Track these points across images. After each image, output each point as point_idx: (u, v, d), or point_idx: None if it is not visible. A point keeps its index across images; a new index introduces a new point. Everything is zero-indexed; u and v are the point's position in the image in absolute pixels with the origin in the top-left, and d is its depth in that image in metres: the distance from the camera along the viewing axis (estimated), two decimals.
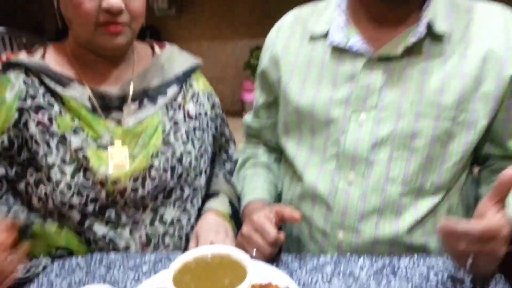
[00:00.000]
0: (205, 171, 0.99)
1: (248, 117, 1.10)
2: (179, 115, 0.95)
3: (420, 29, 0.79)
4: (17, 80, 0.86)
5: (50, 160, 0.84)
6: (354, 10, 0.86)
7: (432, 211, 0.84)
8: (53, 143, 0.85)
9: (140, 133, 0.90)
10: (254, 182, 1.00)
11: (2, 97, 0.85)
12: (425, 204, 0.84)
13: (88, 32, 0.83)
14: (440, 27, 0.79)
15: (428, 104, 0.81)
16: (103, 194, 0.86)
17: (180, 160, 0.92)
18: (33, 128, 0.85)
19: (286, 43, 0.94)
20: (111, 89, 0.90)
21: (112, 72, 0.91)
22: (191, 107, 0.98)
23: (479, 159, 0.91)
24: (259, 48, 1.90)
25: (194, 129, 0.97)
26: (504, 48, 0.80)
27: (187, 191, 0.95)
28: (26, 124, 0.85)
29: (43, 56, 0.89)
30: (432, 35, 0.80)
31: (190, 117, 0.97)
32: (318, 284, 0.78)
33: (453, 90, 0.80)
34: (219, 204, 0.98)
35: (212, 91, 1.07)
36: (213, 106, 1.05)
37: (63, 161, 0.85)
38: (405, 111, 0.81)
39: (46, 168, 0.84)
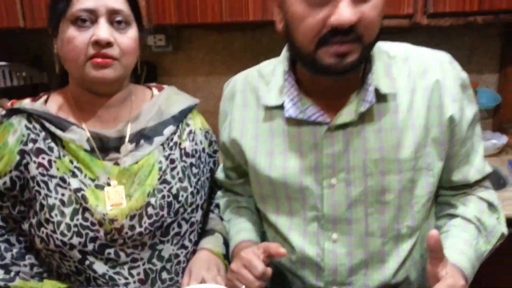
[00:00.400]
0: (202, 207, 1.00)
1: (219, 174, 1.09)
2: (176, 153, 0.97)
3: (369, 98, 0.81)
4: (19, 125, 0.89)
5: (50, 201, 0.87)
6: (304, 83, 0.87)
7: (411, 250, 0.89)
8: (52, 185, 0.88)
9: (137, 172, 0.92)
10: (239, 224, 1.01)
11: (5, 141, 0.88)
12: (405, 246, 0.89)
13: (79, 66, 0.86)
14: (385, 88, 0.82)
15: (390, 161, 0.84)
16: (101, 233, 0.87)
17: (176, 196, 0.93)
18: (34, 170, 0.87)
19: (243, 116, 0.94)
20: (109, 131, 0.92)
21: (110, 114, 0.94)
22: (187, 145, 1.00)
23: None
24: None
25: (191, 165, 0.99)
26: (442, 91, 0.84)
27: (184, 226, 0.95)
28: (27, 166, 0.88)
29: (46, 101, 0.94)
30: (379, 96, 0.83)
31: (186, 154, 0.99)
32: None
33: (408, 143, 0.84)
34: (214, 243, 0.99)
35: (210, 129, 1.09)
36: (210, 144, 1.07)
37: (62, 202, 0.87)
38: (371, 170, 0.85)
39: (47, 209, 0.86)
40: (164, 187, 0.92)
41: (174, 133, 0.98)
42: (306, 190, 0.88)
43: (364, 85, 0.82)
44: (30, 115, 0.90)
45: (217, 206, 1.12)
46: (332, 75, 0.79)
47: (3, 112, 0.91)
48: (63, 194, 0.87)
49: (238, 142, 0.94)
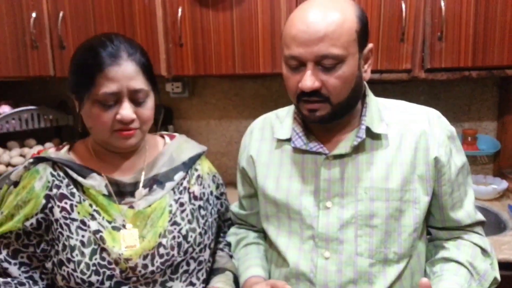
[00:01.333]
0: (209, 246, 1.06)
1: (234, 207, 1.22)
2: (185, 197, 1.04)
3: (361, 134, 0.96)
4: (45, 172, 0.97)
5: (72, 242, 0.93)
6: (306, 123, 1.03)
7: (398, 276, 0.97)
8: (74, 228, 0.94)
9: (149, 215, 0.99)
10: (248, 260, 1.09)
11: (32, 186, 0.96)
12: (392, 271, 0.96)
13: (105, 137, 0.95)
14: (376, 129, 0.97)
15: (379, 190, 0.96)
16: (117, 271, 0.93)
17: (185, 237, 1.00)
18: (57, 213, 0.95)
19: (259, 146, 1.10)
20: (125, 177, 1.00)
21: (126, 163, 1.02)
22: (196, 189, 1.07)
23: (427, 233, 1.06)
24: None
25: (199, 208, 1.06)
26: (429, 137, 0.97)
27: (192, 265, 1.01)
28: (51, 210, 0.95)
29: (69, 150, 1.02)
30: (372, 135, 0.97)
31: (195, 198, 1.06)
32: None
33: (395, 176, 0.96)
34: (225, 281, 1.05)
35: (217, 173, 1.17)
36: (218, 187, 1.15)
37: (83, 243, 0.94)
38: (362, 197, 0.96)
39: (69, 249, 0.93)
40: (175, 229, 1.00)
41: (184, 178, 1.06)
42: (304, 210, 1.00)
43: (359, 126, 0.98)
44: (55, 163, 0.98)
45: (227, 244, 1.18)
46: (311, 123, 1.00)
47: (31, 159, 0.99)
48: (83, 236, 0.94)
49: (254, 160, 1.09)
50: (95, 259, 0.93)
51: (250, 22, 1.65)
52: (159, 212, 1.00)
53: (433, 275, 0.99)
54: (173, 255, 0.98)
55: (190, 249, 1.01)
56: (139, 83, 0.93)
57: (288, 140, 1.04)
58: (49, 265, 0.97)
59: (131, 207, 0.99)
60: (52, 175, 0.97)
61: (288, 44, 0.91)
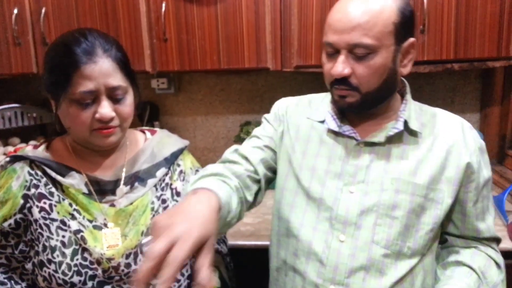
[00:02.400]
0: None
1: (230, 155, 1.07)
2: (167, 193, 1.03)
3: (399, 126, 0.98)
4: (22, 171, 0.95)
5: (52, 243, 0.92)
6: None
7: (410, 271, 0.96)
8: (54, 228, 0.93)
9: (131, 212, 0.97)
10: (209, 180, 0.91)
11: (9, 186, 0.94)
12: (404, 265, 0.96)
13: (84, 136, 0.92)
14: (413, 125, 0.99)
15: (405, 183, 0.96)
16: (99, 271, 0.93)
17: None
18: (36, 213, 0.93)
19: (291, 118, 1.11)
20: (105, 175, 0.98)
21: (106, 160, 1.00)
22: (178, 185, 1.06)
23: (441, 237, 1.06)
24: (248, 123, 2.07)
25: None
26: (461, 144, 0.99)
27: None
28: (30, 210, 0.93)
29: (47, 148, 0.99)
30: (408, 130, 0.99)
31: (177, 194, 1.05)
32: None
33: (424, 173, 0.96)
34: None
35: (200, 167, 1.13)
36: None
37: (63, 244, 0.92)
38: (387, 186, 0.96)
39: (49, 250, 0.92)
40: None
41: (166, 174, 1.05)
42: (326, 191, 1.00)
43: (396, 119, 1.00)
44: (33, 162, 0.95)
45: (217, 239, 1.15)
46: (341, 108, 1.02)
47: (7, 158, 0.97)
48: (63, 236, 0.93)
49: (287, 127, 1.10)
50: (77, 259, 0.92)
51: (234, 17, 1.65)
52: (141, 209, 0.98)
53: (444, 276, 1.00)
54: None
55: None
56: (117, 79, 0.90)
57: (321, 122, 1.06)
58: (28, 266, 0.96)
59: (112, 205, 0.97)
60: (30, 174, 0.95)
61: (326, 31, 0.94)
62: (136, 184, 1.00)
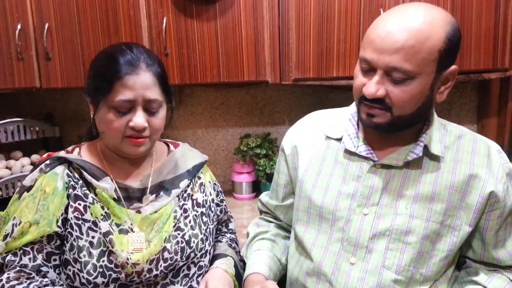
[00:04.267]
0: (209, 252, 1.09)
1: (264, 196, 1.23)
2: (188, 204, 1.08)
3: (417, 151, 0.93)
4: (63, 173, 0.98)
5: (81, 243, 0.95)
6: (362, 126, 1.02)
7: None
8: (85, 228, 0.96)
9: (156, 220, 1.01)
10: (257, 256, 1.09)
11: (55, 186, 0.96)
12: None
13: (116, 142, 0.97)
14: (434, 150, 0.94)
15: (421, 208, 0.93)
16: (123, 274, 0.95)
17: (188, 242, 1.03)
18: (70, 213, 0.96)
19: (306, 138, 1.09)
20: (133, 183, 1.03)
21: (134, 168, 1.05)
22: (199, 196, 1.11)
23: (460, 259, 1.02)
24: (247, 136, 2.09)
25: (201, 214, 1.09)
26: (486, 171, 0.93)
27: (193, 269, 1.05)
28: (66, 209, 0.96)
29: (79, 153, 1.04)
30: (428, 154, 0.95)
31: (197, 204, 1.10)
32: None
33: (442, 199, 0.92)
34: (227, 264, 1.08)
35: (217, 182, 1.21)
36: (218, 194, 1.19)
37: (91, 244, 0.95)
38: (401, 211, 0.93)
39: (77, 250, 0.94)
40: (178, 234, 1.02)
41: (188, 185, 1.09)
42: (338, 212, 0.98)
43: (417, 142, 0.95)
44: (70, 165, 1.00)
45: (225, 237, 1.21)
46: (366, 127, 0.97)
47: (47, 161, 1.00)
48: (93, 237, 0.95)
49: (298, 150, 1.09)
50: (103, 261, 0.94)
51: (234, 32, 1.68)
52: (165, 217, 1.02)
53: None
54: (176, 260, 1.00)
55: (192, 254, 1.04)
56: (155, 93, 0.95)
57: (337, 139, 1.03)
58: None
59: (138, 211, 1.01)
60: (68, 176, 0.99)
61: (365, 46, 0.88)
62: (161, 193, 1.05)
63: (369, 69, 0.88)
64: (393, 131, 0.94)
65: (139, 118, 0.94)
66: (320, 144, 1.07)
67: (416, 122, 0.95)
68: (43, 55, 1.74)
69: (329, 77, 1.66)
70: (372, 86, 0.87)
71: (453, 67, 0.90)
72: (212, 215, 1.13)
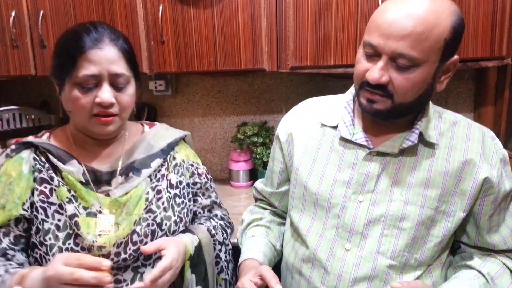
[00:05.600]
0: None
1: (259, 183, 1.24)
2: (162, 184, 1.06)
3: (413, 138, 0.94)
4: (29, 158, 0.97)
5: (46, 226, 0.94)
6: (359, 113, 1.02)
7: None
8: (50, 212, 0.95)
9: (125, 202, 0.99)
10: (251, 243, 1.11)
11: (20, 170, 0.96)
12: (409, 277, 0.94)
13: (84, 121, 0.96)
14: (430, 137, 0.95)
15: (415, 194, 0.94)
16: None
17: (160, 225, 1.01)
18: (36, 196, 0.95)
19: (301, 126, 1.09)
20: (103, 166, 1.01)
21: (103, 151, 1.03)
22: (173, 177, 1.09)
23: (454, 244, 1.04)
24: (244, 124, 2.09)
25: (175, 196, 1.07)
26: (480, 157, 0.94)
27: None
28: (33, 193, 0.96)
29: (49, 138, 1.03)
30: (423, 141, 0.95)
31: (171, 186, 1.08)
32: None
33: (437, 185, 0.93)
34: (190, 241, 1.03)
35: (194, 162, 1.16)
36: (192, 175, 1.14)
37: (58, 227, 0.94)
38: (396, 197, 0.94)
39: (42, 233, 0.93)
40: (149, 216, 1.01)
41: (162, 165, 1.07)
42: (334, 199, 0.99)
43: (412, 129, 0.95)
44: (37, 149, 0.99)
45: (206, 223, 1.15)
46: (366, 113, 0.96)
47: (13, 146, 0.99)
48: (59, 220, 0.95)
49: (293, 138, 1.09)
50: (69, 243, 0.94)
51: (231, 19, 1.66)
52: (135, 199, 1.01)
53: (451, 277, 0.98)
54: (146, 243, 0.99)
55: (164, 237, 1.02)
56: (120, 67, 0.94)
57: (333, 127, 1.03)
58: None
59: (108, 195, 1.00)
60: (34, 159, 0.98)
61: (371, 31, 0.87)
62: (131, 174, 1.02)
63: (374, 54, 0.88)
64: (391, 118, 0.94)
65: (105, 94, 0.92)
66: (315, 131, 1.07)
67: (415, 110, 0.95)
68: (38, 43, 1.72)
69: (327, 65, 1.65)
70: (376, 72, 0.86)
71: (455, 57, 0.90)
72: (187, 196, 1.11)
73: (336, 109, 1.05)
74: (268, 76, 2.10)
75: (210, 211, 1.22)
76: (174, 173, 1.10)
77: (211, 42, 1.68)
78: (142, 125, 1.14)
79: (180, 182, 1.10)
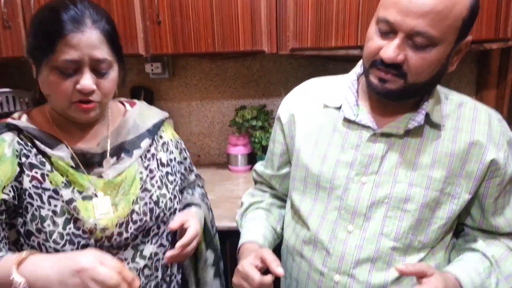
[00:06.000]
0: (178, 210, 1.09)
1: (259, 165, 1.23)
2: (153, 164, 1.05)
3: (419, 119, 0.92)
4: (12, 141, 0.91)
5: (43, 212, 0.90)
6: (363, 93, 1.00)
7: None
8: (45, 197, 0.91)
9: (120, 183, 0.98)
10: (251, 225, 1.10)
11: (3, 153, 0.89)
12: (412, 259, 0.94)
13: (64, 107, 0.90)
14: (435, 118, 0.93)
15: (420, 176, 0.92)
16: (92, 240, 0.93)
17: (157, 203, 1.02)
18: (27, 183, 0.90)
19: (303, 107, 1.07)
20: (91, 147, 0.97)
21: (89, 131, 0.99)
22: (162, 156, 1.08)
23: (458, 227, 1.02)
24: (243, 108, 2.06)
25: (167, 174, 1.08)
26: (487, 139, 0.92)
27: (162, 228, 1.05)
28: (22, 178, 0.90)
29: (28, 120, 0.95)
30: (429, 123, 0.93)
31: (162, 164, 1.07)
32: None
33: (442, 166, 0.92)
34: (199, 215, 1.10)
35: (179, 139, 1.18)
36: (181, 152, 1.16)
37: (55, 213, 0.91)
38: (401, 179, 0.93)
39: (39, 220, 0.90)
40: (146, 195, 1.01)
41: (151, 145, 1.06)
42: (337, 180, 0.97)
43: (418, 110, 0.93)
44: (20, 132, 0.93)
45: (201, 192, 1.22)
46: (376, 93, 0.93)
47: None
48: (55, 205, 0.91)
49: (295, 119, 1.07)
50: (69, 228, 0.91)
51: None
52: (129, 180, 0.99)
53: (455, 260, 0.97)
54: (145, 221, 1.00)
55: (161, 214, 1.03)
56: (103, 52, 0.89)
57: (336, 108, 1.01)
58: (10, 234, 0.92)
59: (100, 176, 0.97)
60: (19, 144, 0.92)
61: (387, 6, 0.84)
62: (123, 155, 1.01)
63: (389, 31, 0.85)
64: (401, 99, 0.92)
65: (86, 80, 0.87)
66: (318, 112, 1.05)
67: (426, 91, 0.93)
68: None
69: (328, 47, 1.62)
70: (391, 50, 0.83)
71: (469, 37, 0.89)
72: (177, 173, 1.12)
73: (339, 90, 1.03)
74: (267, 59, 2.07)
75: (199, 185, 1.27)
76: (163, 151, 1.10)
77: (208, 22, 1.64)
78: (123, 103, 1.11)
79: (171, 160, 1.11)
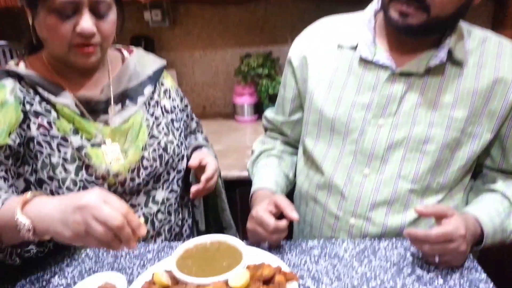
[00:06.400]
0: (186, 155, 1.11)
1: (269, 112, 1.19)
2: (158, 111, 1.05)
3: (441, 55, 0.87)
4: (14, 87, 0.89)
5: (54, 160, 0.90)
6: (381, 31, 0.95)
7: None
8: (54, 145, 0.90)
9: (128, 130, 0.98)
10: (264, 173, 1.09)
11: (4, 99, 0.87)
12: (430, 201, 0.93)
13: (63, 52, 0.87)
14: (458, 54, 0.88)
15: (441, 115, 0.89)
16: (105, 186, 0.94)
17: (165, 149, 1.03)
18: (34, 130, 0.89)
19: (316, 48, 1.02)
20: (94, 94, 0.95)
21: (89, 78, 0.97)
22: (166, 103, 1.08)
23: (476, 168, 1.00)
24: (248, 56, 1.99)
25: (172, 121, 1.08)
26: (511, 75, 0.88)
27: (172, 174, 1.06)
28: (28, 126, 0.89)
29: (26, 68, 0.92)
30: (451, 60, 0.89)
31: (166, 111, 1.07)
32: (307, 265, 0.86)
33: (464, 106, 0.89)
34: (212, 153, 1.14)
35: (178, 87, 1.17)
36: (181, 99, 1.16)
37: (65, 160, 0.91)
38: (420, 119, 0.90)
39: (50, 168, 0.89)
40: (154, 141, 1.01)
41: (153, 92, 1.05)
42: (352, 124, 0.95)
43: (439, 47, 0.88)
44: (21, 80, 0.90)
45: (197, 138, 1.22)
46: (396, 30, 0.88)
47: None
48: (65, 153, 0.91)
49: (307, 61, 1.02)
50: (82, 175, 0.92)
51: None
52: (136, 127, 1.00)
53: (473, 201, 0.95)
54: (156, 167, 1.01)
55: (170, 160, 1.05)
56: None
57: (352, 48, 0.96)
58: (18, 183, 0.91)
59: (107, 124, 0.97)
60: (21, 91, 0.90)
61: None
62: (127, 102, 1.00)
63: None
64: (422, 34, 0.87)
65: (86, 22, 0.83)
66: (332, 53, 0.99)
67: (448, 27, 0.88)
68: None
69: None
70: None
71: None
72: (181, 120, 1.12)
73: (354, 28, 0.97)
74: (272, 3, 1.97)
75: (200, 131, 1.27)
76: (167, 98, 1.09)
77: None
78: (120, 50, 1.07)
79: (174, 107, 1.10)
